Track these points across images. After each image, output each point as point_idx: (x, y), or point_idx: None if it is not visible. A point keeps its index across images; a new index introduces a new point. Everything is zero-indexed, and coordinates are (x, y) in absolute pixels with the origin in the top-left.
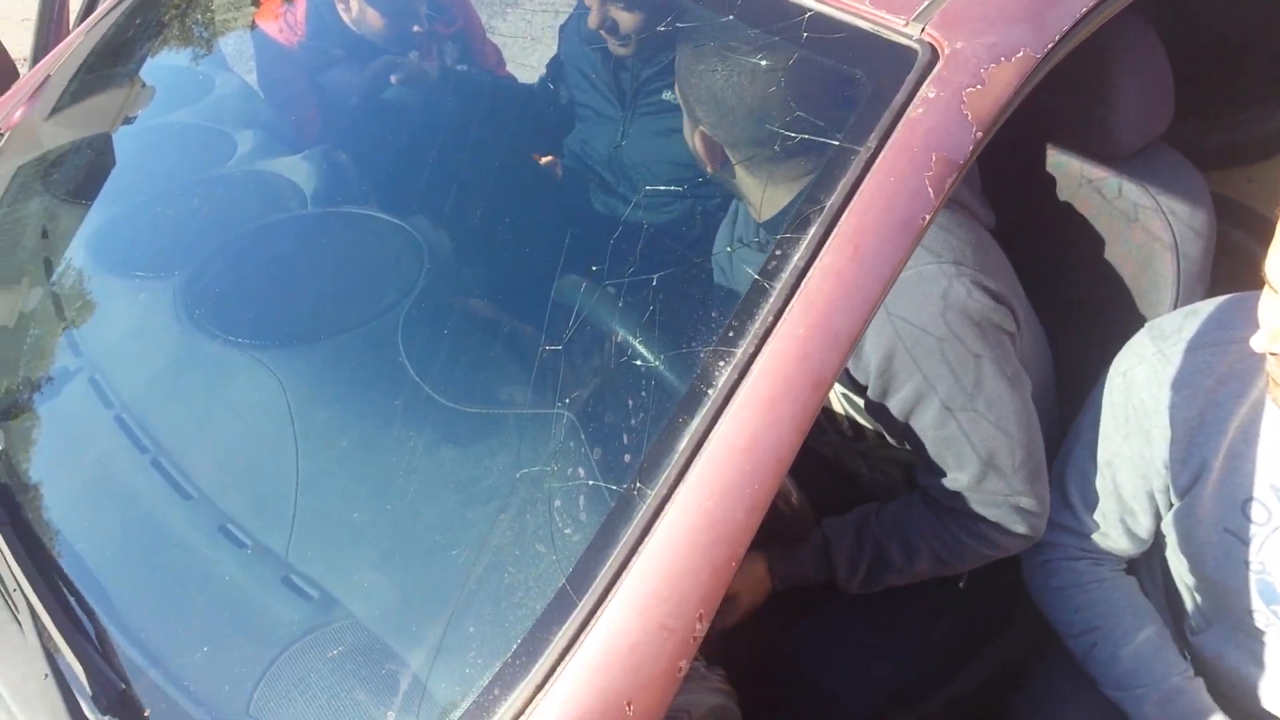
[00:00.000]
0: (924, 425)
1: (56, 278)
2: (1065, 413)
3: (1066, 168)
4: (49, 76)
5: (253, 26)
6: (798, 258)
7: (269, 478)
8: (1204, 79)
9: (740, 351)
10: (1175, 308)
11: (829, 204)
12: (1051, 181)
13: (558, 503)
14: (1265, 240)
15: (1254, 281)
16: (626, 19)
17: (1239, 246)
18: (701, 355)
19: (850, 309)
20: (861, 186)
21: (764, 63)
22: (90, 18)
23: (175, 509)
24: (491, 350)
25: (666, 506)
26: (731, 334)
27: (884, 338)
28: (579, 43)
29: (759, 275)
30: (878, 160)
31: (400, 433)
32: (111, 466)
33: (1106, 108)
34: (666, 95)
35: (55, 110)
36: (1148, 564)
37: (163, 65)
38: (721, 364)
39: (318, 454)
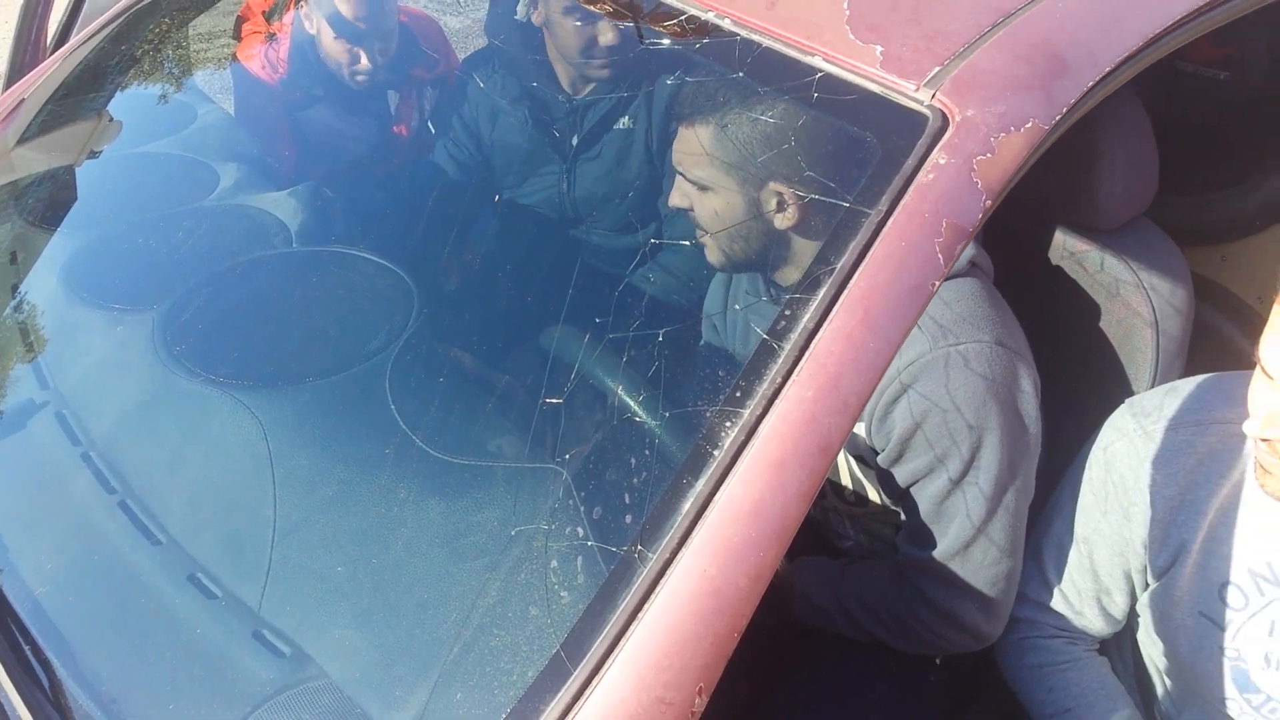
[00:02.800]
0: (927, 494)
1: (23, 304)
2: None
3: (1049, 239)
4: (23, 100)
5: (232, 60)
6: (807, 318)
7: (244, 524)
8: (1182, 157)
9: (747, 413)
10: (1153, 384)
11: (839, 265)
12: (1033, 252)
13: (554, 563)
14: (1236, 318)
15: (1225, 358)
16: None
17: (1211, 324)
18: (707, 415)
19: (859, 373)
20: (872, 250)
21: (773, 120)
22: (69, 43)
23: (142, 554)
24: (484, 400)
25: (668, 571)
26: (739, 394)
27: (917, 409)
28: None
29: (767, 335)
30: (888, 224)
31: (387, 482)
32: (75, 507)
33: (1093, 181)
34: (624, 122)
35: (28, 135)
36: (1118, 645)
37: (143, 93)
38: (728, 425)
39: (297, 501)
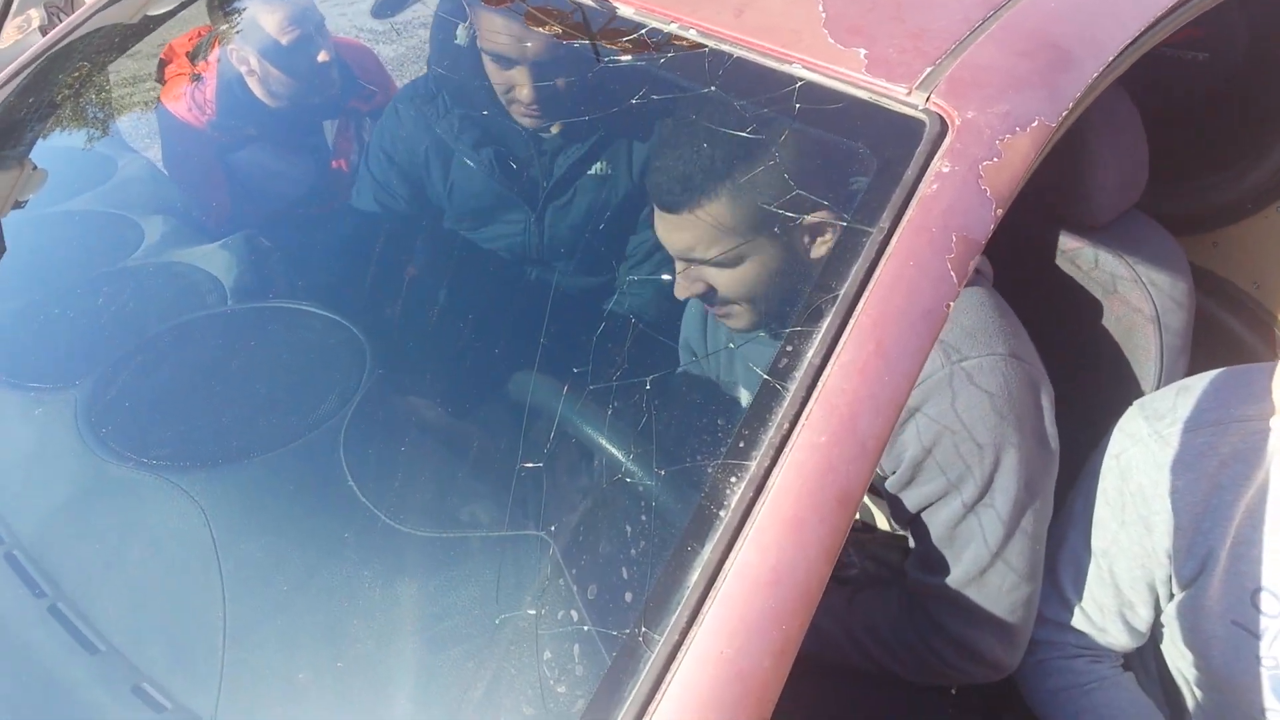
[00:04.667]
0: (940, 519)
1: None
2: None
3: (1038, 238)
4: None
5: (157, 105)
6: (812, 354)
7: (191, 626)
8: (1167, 143)
9: (754, 465)
10: (1159, 382)
11: (842, 292)
12: (1022, 252)
13: (547, 654)
14: (1233, 306)
15: (1227, 348)
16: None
17: (1208, 314)
18: (709, 470)
19: (876, 411)
20: (878, 272)
21: (754, 138)
22: None
23: (79, 664)
24: (453, 467)
25: (679, 656)
26: (743, 445)
27: (927, 434)
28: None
29: (769, 375)
30: (893, 242)
31: (350, 566)
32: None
33: (1083, 175)
34: (599, 168)
35: None
36: (1141, 657)
37: (57, 147)
38: (733, 480)
39: (249, 596)
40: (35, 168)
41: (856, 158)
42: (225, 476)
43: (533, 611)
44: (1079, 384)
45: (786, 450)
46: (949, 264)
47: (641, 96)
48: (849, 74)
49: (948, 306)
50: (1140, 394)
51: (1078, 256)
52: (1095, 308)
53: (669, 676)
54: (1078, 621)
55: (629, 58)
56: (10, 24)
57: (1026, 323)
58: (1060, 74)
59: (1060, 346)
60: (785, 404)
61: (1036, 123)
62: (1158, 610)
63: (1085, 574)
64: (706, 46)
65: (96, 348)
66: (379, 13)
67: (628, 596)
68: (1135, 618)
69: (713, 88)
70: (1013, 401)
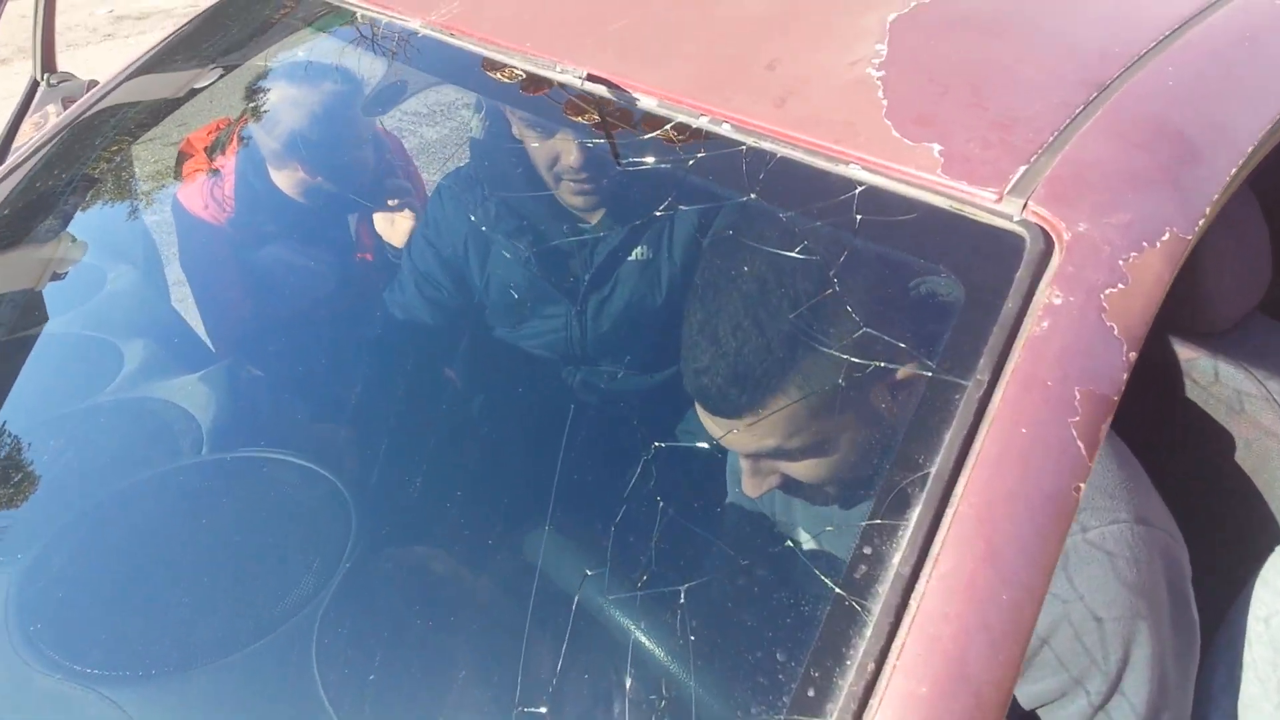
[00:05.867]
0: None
1: None
2: None
3: (1145, 347)
4: None
5: (172, 202)
6: (899, 559)
7: None
8: None
9: None
10: None
11: (934, 470)
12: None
13: None
14: None
15: None
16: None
17: None
18: None
19: (993, 646)
20: (978, 442)
21: (804, 258)
22: None
23: None
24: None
25: None
26: (813, 693)
27: (1046, 619)
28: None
29: (843, 589)
30: (994, 401)
31: None
32: None
33: (1199, 275)
34: (637, 253)
35: None
36: None
37: (42, 257)
38: None
39: None
40: (74, 240)
41: (937, 285)
42: (168, 689)
43: None
44: (1203, 526)
45: (872, 703)
46: (1074, 430)
47: (667, 207)
48: (920, 176)
49: (1077, 490)
50: None
51: (1193, 369)
52: (1218, 431)
53: None
54: None
55: (652, 160)
56: (29, 120)
57: (1135, 452)
58: (1189, 170)
59: (1177, 480)
60: (868, 635)
61: (1168, 235)
62: None
63: None
64: (743, 144)
65: (41, 513)
66: (369, 111)
67: None
68: None
69: (752, 195)
70: (1144, 576)
